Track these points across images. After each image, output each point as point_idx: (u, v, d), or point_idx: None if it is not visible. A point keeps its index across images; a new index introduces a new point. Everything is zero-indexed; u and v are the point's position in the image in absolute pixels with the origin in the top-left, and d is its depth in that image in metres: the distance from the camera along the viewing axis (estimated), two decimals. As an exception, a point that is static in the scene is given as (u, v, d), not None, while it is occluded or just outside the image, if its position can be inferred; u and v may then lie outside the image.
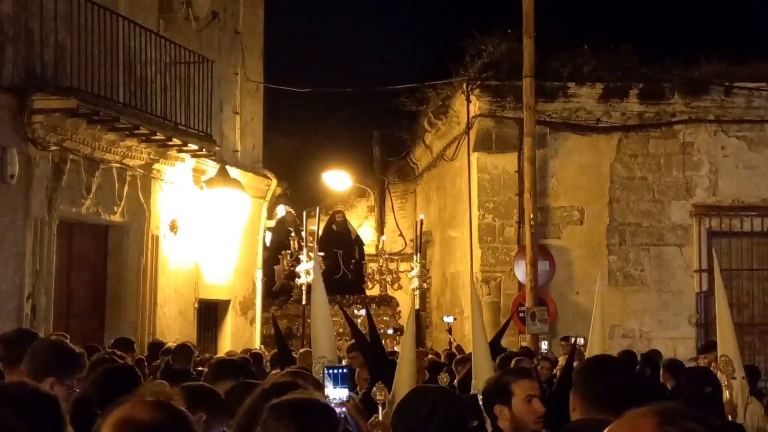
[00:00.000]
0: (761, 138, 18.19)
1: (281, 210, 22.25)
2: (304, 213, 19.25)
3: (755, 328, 17.85)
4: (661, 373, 10.67)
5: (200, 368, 11.04)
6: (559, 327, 17.37)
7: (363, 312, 18.42)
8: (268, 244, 21.41)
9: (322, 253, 17.82)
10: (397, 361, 7.28)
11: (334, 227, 21.49)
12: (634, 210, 18.09)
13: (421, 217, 19.83)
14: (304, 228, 19.13)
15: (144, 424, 2.91)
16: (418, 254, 17.92)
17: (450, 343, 18.27)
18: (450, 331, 19.09)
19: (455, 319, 19.17)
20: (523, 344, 15.81)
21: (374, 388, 6.18)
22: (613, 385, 4.71)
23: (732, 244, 18.07)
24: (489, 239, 18.12)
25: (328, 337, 7.62)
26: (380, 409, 6.18)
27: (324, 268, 20.52)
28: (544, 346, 16.05)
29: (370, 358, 8.20)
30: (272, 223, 22.01)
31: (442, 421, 4.69)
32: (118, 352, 9.48)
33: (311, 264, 17.43)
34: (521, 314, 17.10)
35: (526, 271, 17.06)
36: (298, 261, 18.87)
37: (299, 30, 28.99)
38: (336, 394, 5.59)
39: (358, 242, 21.89)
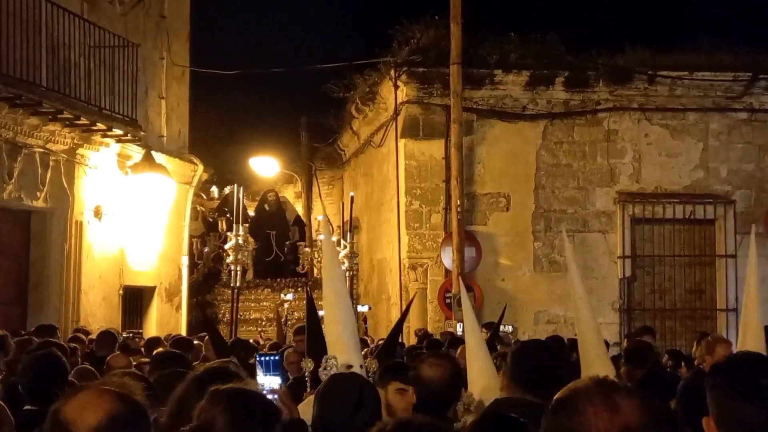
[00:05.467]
0: (683, 126, 18.47)
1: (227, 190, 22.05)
2: (226, 190, 18.89)
3: (677, 313, 18.15)
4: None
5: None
6: (485, 313, 17.47)
7: (290, 296, 18.36)
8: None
9: (242, 232, 17.48)
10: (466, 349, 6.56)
11: (267, 207, 21.33)
12: (559, 197, 18.26)
13: (352, 194, 19.71)
14: (232, 204, 18.89)
15: (108, 412, 2.96)
16: (350, 233, 17.79)
17: (365, 331, 18.44)
18: (365, 320, 19.17)
19: (370, 308, 19.23)
20: (449, 329, 15.92)
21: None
22: (541, 367, 4.81)
23: (654, 231, 18.35)
24: (416, 225, 18.17)
25: (348, 336, 5.96)
26: (308, 384, 6.15)
27: (255, 249, 20.40)
28: (459, 329, 16.08)
29: (313, 343, 7.81)
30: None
31: (372, 408, 4.69)
32: (36, 339, 9.34)
33: (234, 243, 17.14)
34: (448, 300, 17.18)
35: (452, 258, 17.15)
36: (225, 241, 18.66)
37: (226, 16, 28.82)
38: (267, 381, 5.58)
39: (299, 223, 21.73)
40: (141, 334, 16.57)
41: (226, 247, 17.10)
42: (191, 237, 20.82)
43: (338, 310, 5.87)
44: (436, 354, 5.87)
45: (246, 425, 3.63)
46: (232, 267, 16.77)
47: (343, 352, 5.58)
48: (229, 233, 17.10)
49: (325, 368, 5.25)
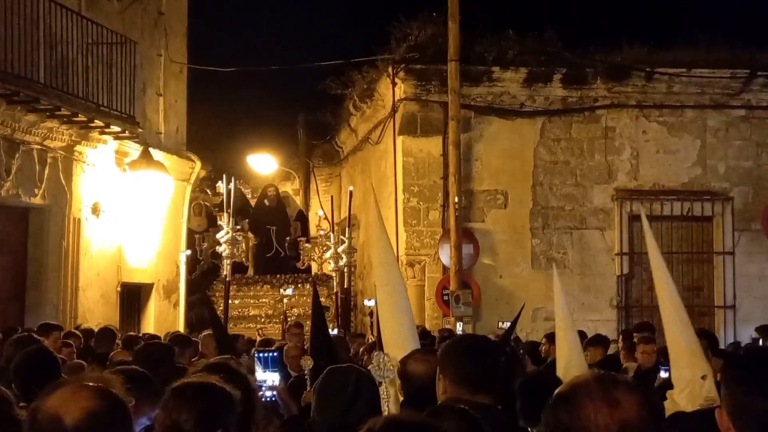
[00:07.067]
0: (681, 123, 18.47)
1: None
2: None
3: (674, 310, 18.12)
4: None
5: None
6: (483, 310, 17.50)
7: (289, 291, 18.31)
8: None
9: (239, 226, 17.31)
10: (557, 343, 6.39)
11: (266, 202, 21.26)
12: (557, 194, 18.25)
13: (351, 188, 19.67)
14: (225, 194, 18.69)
15: (87, 409, 2.93)
16: (348, 228, 17.70)
17: (371, 326, 18.30)
18: (371, 314, 19.07)
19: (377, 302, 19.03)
20: (447, 326, 15.92)
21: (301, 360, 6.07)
22: (483, 366, 4.63)
23: (652, 228, 18.30)
24: (414, 222, 18.17)
25: (405, 331, 5.71)
26: (308, 381, 6.15)
27: (255, 245, 20.31)
28: (459, 327, 16.08)
29: (317, 338, 7.76)
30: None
31: (368, 402, 4.69)
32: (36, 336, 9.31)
33: (227, 236, 16.97)
34: (445, 297, 17.19)
35: (450, 255, 17.14)
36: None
37: (224, 12, 28.78)
38: (266, 377, 5.57)
39: (301, 218, 21.65)
40: (160, 337, 16.36)
41: (219, 238, 17.03)
42: (194, 233, 20.79)
43: (393, 303, 5.77)
44: (423, 349, 5.77)
45: (214, 416, 3.65)
46: (227, 261, 16.69)
47: (400, 348, 5.45)
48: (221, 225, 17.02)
49: (377, 366, 5.14)
